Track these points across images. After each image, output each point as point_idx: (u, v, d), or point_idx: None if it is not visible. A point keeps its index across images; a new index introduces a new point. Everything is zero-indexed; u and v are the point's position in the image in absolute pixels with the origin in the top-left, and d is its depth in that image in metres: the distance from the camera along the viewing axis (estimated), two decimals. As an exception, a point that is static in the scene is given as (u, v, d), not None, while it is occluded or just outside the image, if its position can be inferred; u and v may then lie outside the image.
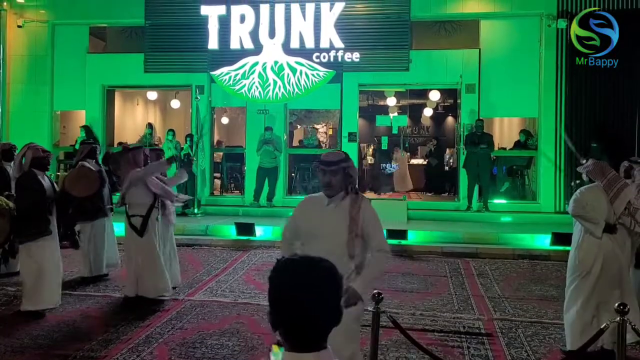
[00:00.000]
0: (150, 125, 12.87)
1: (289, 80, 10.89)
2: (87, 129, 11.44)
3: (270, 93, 10.96)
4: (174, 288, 6.16)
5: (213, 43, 11.21)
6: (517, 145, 11.61)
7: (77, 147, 11.44)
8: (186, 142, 11.24)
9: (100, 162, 6.99)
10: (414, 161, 15.27)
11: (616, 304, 3.62)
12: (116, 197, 6.59)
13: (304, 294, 1.39)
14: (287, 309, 1.41)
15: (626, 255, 4.45)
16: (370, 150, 15.72)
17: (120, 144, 11.11)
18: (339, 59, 10.84)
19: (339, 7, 10.83)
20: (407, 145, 16.30)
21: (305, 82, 10.85)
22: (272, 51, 11.00)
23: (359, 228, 3.12)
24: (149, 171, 5.96)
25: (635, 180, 5.29)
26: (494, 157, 11.13)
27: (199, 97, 11.19)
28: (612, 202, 4.34)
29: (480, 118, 10.77)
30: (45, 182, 5.54)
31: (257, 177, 11.07)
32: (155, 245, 5.90)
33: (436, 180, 13.55)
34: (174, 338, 4.85)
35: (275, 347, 1.45)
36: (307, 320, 1.40)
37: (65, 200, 5.77)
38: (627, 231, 4.41)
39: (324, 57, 10.84)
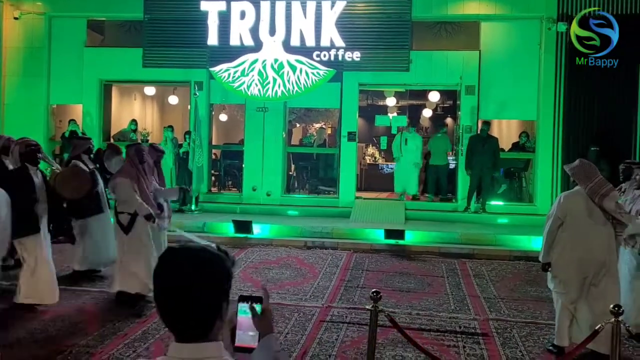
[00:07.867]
0: (134, 122, 12.60)
1: (289, 78, 10.86)
2: (74, 123, 11.47)
3: (270, 91, 10.93)
4: None
5: (212, 39, 11.15)
6: (515, 147, 11.63)
7: (66, 134, 11.42)
8: (185, 140, 11.19)
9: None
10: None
11: (611, 305, 3.65)
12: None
13: (176, 283, 1.34)
14: (161, 298, 1.38)
15: (606, 251, 4.46)
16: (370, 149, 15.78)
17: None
18: (340, 58, 10.81)
19: (340, 5, 10.80)
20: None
21: (305, 80, 10.82)
22: (272, 49, 10.96)
23: None
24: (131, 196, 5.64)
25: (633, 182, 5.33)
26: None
27: (197, 94, 11.13)
28: (600, 206, 4.40)
29: (487, 120, 10.75)
30: (37, 179, 5.40)
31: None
32: (143, 244, 5.65)
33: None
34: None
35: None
36: (180, 309, 1.37)
37: (57, 197, 5.65)
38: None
39: (325, 56, 10.81)
